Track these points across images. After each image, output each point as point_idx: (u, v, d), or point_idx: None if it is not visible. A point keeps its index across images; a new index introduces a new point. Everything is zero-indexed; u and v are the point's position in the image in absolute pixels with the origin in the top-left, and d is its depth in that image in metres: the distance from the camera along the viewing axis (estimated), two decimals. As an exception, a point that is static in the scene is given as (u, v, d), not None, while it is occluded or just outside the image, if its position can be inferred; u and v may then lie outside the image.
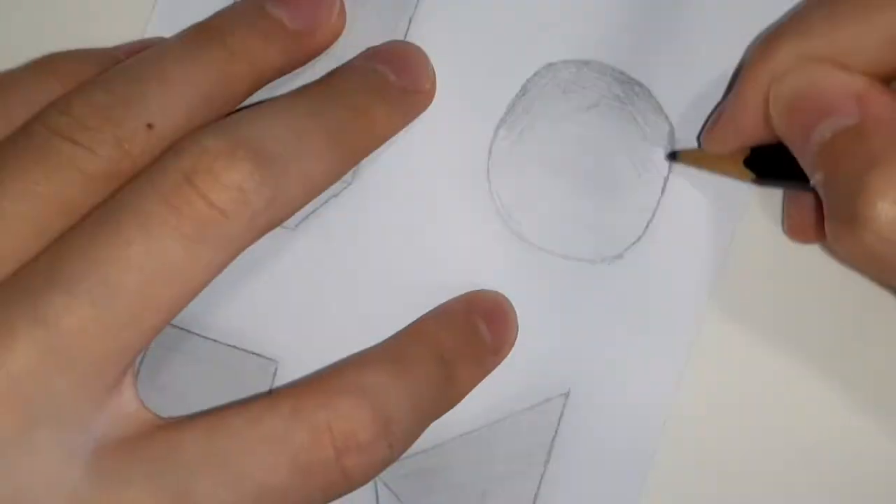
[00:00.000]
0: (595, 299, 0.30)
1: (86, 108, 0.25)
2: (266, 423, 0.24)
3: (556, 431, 0.30)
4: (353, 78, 0.28)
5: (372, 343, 0.28)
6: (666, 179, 0.30)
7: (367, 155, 0.28)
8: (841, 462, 0.30)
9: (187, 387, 0.30)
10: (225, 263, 0.24)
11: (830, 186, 0.25)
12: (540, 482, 0.30)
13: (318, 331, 0.30)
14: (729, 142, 0.28)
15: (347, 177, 0.30)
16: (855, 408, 0.30)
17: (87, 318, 0.23)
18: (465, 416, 0.29)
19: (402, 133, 0.29)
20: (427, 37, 0.30)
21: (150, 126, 0.25)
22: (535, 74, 0.30)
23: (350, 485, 0.25)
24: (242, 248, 0.25)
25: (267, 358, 0.30)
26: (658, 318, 0.30)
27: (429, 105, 0.30)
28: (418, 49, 0.30)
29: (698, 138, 0.30)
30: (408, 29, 0.30)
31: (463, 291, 0.30)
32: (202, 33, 0.27)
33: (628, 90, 0.30)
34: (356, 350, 0.28)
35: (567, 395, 0.30)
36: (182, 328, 0.30)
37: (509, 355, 0.30)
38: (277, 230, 0.26)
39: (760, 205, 0.30)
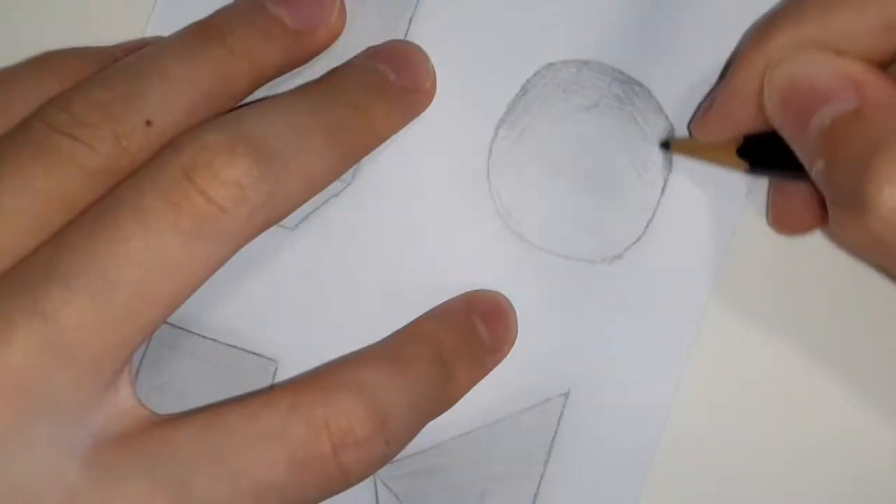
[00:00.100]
0: (595, 299, 0.30)
1: (85, 104, 0.25)
2: (263, 420, 0.24)
3: (555, 431, 0.30)
4: (353, 77, 0.28)
5: (372, 342, 0.28)
6: (666, 179, 0.30)
7: (366, 153, 0.28)
8: (842, 462, 0.30)
9: (187, 386, 0.30)
10: (224, 259, 0.24)
11: (833, 174, 0.24)
12: (540, 482, 0.30)
13: (318, 330, 0.30)
14: (721, 130, 0.28)
15: (347, 176, 0.30)
16: (856, 408, 0.30)
17: (86, 312, 0.23)
18: (464, 416, 0.29)
19: (402, 132, 0.29)
20: (427, 36, 0.30)
21: (149, 123, 0.25)
22: (535, 74, 0.30)
23: (347, 481, 0.25)
24: (241, 244, 0.25)
25: (267, 357, 0.30)
26: (658, 317, 0.30)
27: (429, 104, 0.30)
28: (418, 48, 0.30)
29: (688, 127, 0.30)
30: (408, 28, 0.30)
31: (462, 291, 0.30)
32: (202, 31, 0.27)
33: (628, 90, 0.30)
34: (356, 349, 0.28)
35: (567, 395, 0.30)
36: (182, 328, 0.30)
37: (509, 355, 0.30)
38: (277, 230, 0.26)
39: (760, 204, 0.30)
